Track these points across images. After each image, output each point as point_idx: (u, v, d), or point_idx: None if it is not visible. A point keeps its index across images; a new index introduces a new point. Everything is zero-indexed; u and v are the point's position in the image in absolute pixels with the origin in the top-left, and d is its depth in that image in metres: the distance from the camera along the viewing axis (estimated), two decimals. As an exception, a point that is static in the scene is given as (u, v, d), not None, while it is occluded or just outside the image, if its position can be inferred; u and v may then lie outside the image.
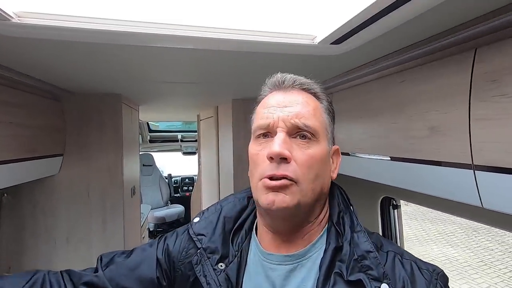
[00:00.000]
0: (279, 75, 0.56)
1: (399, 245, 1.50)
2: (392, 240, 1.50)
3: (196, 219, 0.61)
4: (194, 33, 0.66)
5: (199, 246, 0.56)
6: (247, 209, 0.62)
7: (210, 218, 0.60)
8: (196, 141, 4.49)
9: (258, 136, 0.53)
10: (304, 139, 0.50)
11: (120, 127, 1.59)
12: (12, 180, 1.13)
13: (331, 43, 0.67)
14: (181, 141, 4.44)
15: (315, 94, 0.56)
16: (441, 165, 0.75)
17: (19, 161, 1.13)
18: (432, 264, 0.52)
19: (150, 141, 3.93)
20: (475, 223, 6.90)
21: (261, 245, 0.56)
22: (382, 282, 0.46)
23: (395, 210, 1.49)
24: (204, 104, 2.30)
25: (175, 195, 4.85)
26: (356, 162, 1.17)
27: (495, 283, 4.33)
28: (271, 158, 0.48)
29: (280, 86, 0.55)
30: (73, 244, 1.53)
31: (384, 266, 0.48)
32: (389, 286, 0.45)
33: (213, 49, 0.75)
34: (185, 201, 4.48)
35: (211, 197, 2.50)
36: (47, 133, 1.33)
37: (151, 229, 4.02)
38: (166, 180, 4.77)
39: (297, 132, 0.50)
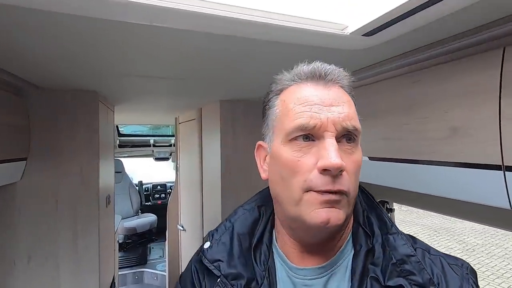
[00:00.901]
0: (318, 64, 0.48)
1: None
2: (385, 244, 1.49)
3: (207, 244, 0.54)
4: (194, 7, 0.52)
5: (218, 274, 0.50)
6: (261, 220, 0.56)
7: (222, 240, 0.54)
8: (170, 146, 4.28)
9: (295, 139, 0.45)
10: (350, 142, 0.47)
11: (96, 128, 1.42)
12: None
13: (362, 35, 0.62)
14: (154, 146, 4.21)
15: (351, 91, 0.52)
16: (464, 167, 0.73)
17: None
18: (458, 258, 0.51)
19: (120, 146, 3.65)
20: (436, 224, 7.41)
21: (288, 259, 0.51)
22: (428, 287, 0.43)
23: (389, 214, 1.48)
24: (185, 106, 2.16)
25: (146, 203, 4.55)
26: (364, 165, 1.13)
27: (458, 280, 4.62)
28: (324, 170, 0.42)
29: (319, 79, 0.47)
30: (36, 263, 1.31)
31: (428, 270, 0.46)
32: None
33: (215, 33, 0.63)
34: (157, 210, 4.21)
35: (192, 205, 2.35)
36: (7, 133, 1.13)
37: (120, 241, 3.68)
38: (137, 188, 4.46)
39: (343, 135, 0.46)
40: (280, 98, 0.50)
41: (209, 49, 0.77)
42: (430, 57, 0.80)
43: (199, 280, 0.53)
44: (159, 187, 4.72)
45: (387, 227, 0.51)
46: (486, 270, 4.93)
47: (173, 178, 5.02)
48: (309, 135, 0.45)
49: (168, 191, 4.58)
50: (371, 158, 1.04)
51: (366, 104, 1.05)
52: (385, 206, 1.47)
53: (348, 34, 0.63)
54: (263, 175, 0.53)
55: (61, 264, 1.33)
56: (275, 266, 0.51)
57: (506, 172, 0.64)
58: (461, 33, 0.69)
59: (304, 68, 0.49)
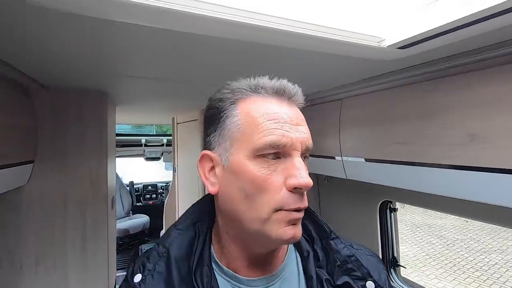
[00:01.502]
0: (286, 82, 0.48)
1: (394, 246, 1.57)
2: (388, 243, 1.56)
3: (138, 277, 0.46)
4: (224, 15, 0.51)
5: None
6: (197, 239, 0.50)
7: (157, 269, 0.47)
8: (161, 145, 4.22)
9: (263, 155, 0.43)
10: (305, 160, 0.48)
11: (104, 129, 1.39)
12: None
13: (398, 48, 0.66)
14: (145, 145, 4.13)
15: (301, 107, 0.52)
16: (480, 171, 0.78)
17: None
18: (369, 248, 0.59)
19: (111, 146, 3.56)
20: (418, 220, 7.70)
21: (238, 274, 0.49)
22: (366, 280, 0.50)
23: (392, 214, 1.55)
24: (186, 107, 2.15)
25: (137, 204, 4.46)
26: (370, 167, 1.19)
27: (440, 274, 4.86)
28: (295, 189, 0.43)
29: (285, 96, 0.47)
30: (44, 268, 1.27)
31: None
32: (373, 282, 0.51)
33: (242, 40, 0.63)
34: (149, 211, 4.14)
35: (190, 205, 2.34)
36: (15, 135, 1.10)
37: (111, 243, 3.58)
38: (128, 188, 4.37)
39: (303, 154, 0.47)
40: (240, 108, 0.46)
41: (222, 53, 0.76)
42: (449, 67, 0.85)
43: None
44: (150, 187, 4.63)
45: (326, 232, 0.55)
46: (466, 264, 5.20)
47: (163, 178, 4.95)
48: (277, 153, 0.44)
49: (159, 191, 4.51)
50: (386, 161, 1.09)
51: (383, 109, 1.10)
52: (388, 205, 1.54)
53: (384, 46, 0.66)
54: (212, 189, 0.48)
55: (69, 268, 1.30)
56: (218, 286, 0.47)
57: (523, 176, 0.70)
58: (478, 48, 0.74)
59: (270, 82, 0.47)
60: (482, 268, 5.05)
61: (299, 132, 0.45)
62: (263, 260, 0.50)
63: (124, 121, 2.96)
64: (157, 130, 5.69)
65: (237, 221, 0.46)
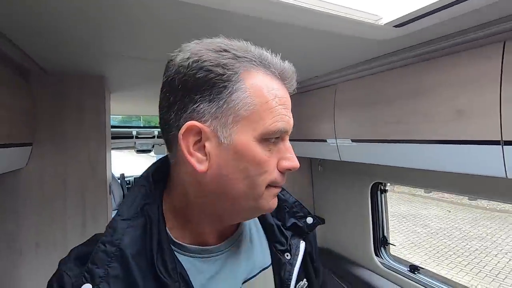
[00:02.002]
0: (287, 65, 0.46)
1: (384, 226, 1.65)
2: (379, 222, 1.64)
3: None
4: None
5: None
6: (149, 225, 0.44)
7: (112, 273, 0.40)
8: (153, 137, 4.19)
9: (269, 139, 0.43)
10: None
11: (102, 114, 1.39)
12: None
13: (394, 26, 0.71)
14: (136, 137, 4.09)
15: None
16: (467, 144, 0.85)
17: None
18: None
19: (102, 137, 3.51)
20: (404, 211, 7.95)
21: (207, 245, 0.49)
22: (307, 217, 0.59)
23: (383, 195, 1.63)
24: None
25: (128, 197, 4.43)
26: (364, 148, 1.25)
27: (424, 260, 5.07)
28: (287, 170, 0.46)
29: (284, 80, 0.46)
30: (44, 251, 1.28)
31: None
32: (312, 218, 0.59)
33: (235, 12, 0.64)
34: (140, 203, 4.08)
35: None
36: (13, 116, 1.09)
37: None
38: (119, 181, 4.32)
39: None
40: (249, 83, 0.42)
41: (222, 28, 0.74)
42: (439, 48, 0.91)
43: None
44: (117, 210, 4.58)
45: None
46: (449, 251, 5.44)
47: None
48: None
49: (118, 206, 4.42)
50: (380, 141, 1.15)
51: (376, 91, 1.16)
52: (379, 187, 1.61)
53: (382, 24, 0.71)
54: (200, 167, 0.42)
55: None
56: (184, 268, 0.44)
57: (504, 146, 0.77)
58: (466, 29, 0.81)
59: (276, 60, 0.45)
60: (463, 254, 5.30)
61: (290, 117, 0.46)
62: (230, 226, 0.52)
63: (118, 110, 2.92)
64: (144, 123, 5.63)
65: (229, 200, 0.44)
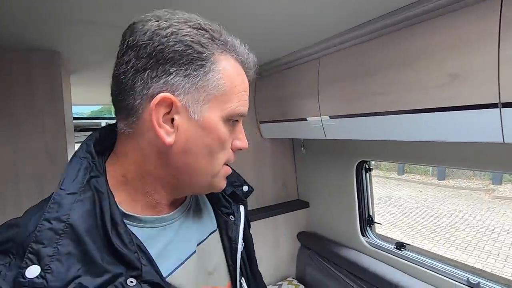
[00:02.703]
0: (251, 55, 0.51)
1: (370, 205, 1.63)
2: (364, 202, 1.61)
3: (34, 271, 0.35)
4: None
5: (94, 286, 0.37)
6: (98, 199, 0.42)
7: (62, 251, 0.37)
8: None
9: (230, 120, 0.48)
10: None
11: (59, 96, 1.22)
12: None
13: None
14: (106, 129, 3.81)
15: None
16: (461, 110, 0.81)
17: None
18: None
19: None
20: (379, 193, 8.23)
21: (159, 214, 0.49)
22: (243, 186, 0.65)
23: (368, 173, 1.60)
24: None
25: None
26: (351, 124, 1.19)
27: (400, 238, 5.28)
28: (239, 150, 0.51)
29: (247, 68, 0.50)
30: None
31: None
32: (247, 186, 0.66)
33: None
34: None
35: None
36: None
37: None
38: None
39: None
40: (221, 66, 0.44)
41: None
42: (429, 10, 0.85)
43: None
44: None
45: None
46: (422, 228, 5.73)
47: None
48: None
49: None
50: (365, 114, 1.09)
51: (361, 62, 1.09)
52: (364, 166, 1.58)
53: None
54: (168, 140, 0.43)
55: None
56: (139, 239, 0.43)
57: (502, 109, 0.73)
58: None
59: (242, 49, 0.49)
60: (435, 230, 5.60)
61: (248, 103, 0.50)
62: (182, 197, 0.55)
63: (82, 100, 2.66)
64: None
65: (188, 173, 0.47)
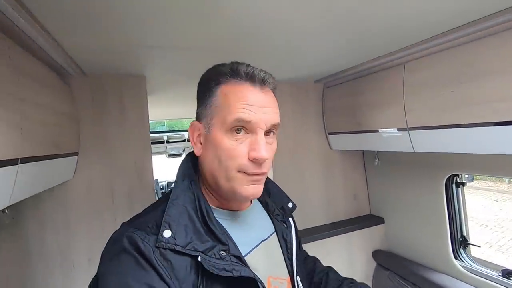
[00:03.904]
0: (258, 70, 0.57)
1: (463, 224, 1.44)
2: (456, 219, 1.43)
3: (167, 233, 0.52)
4: None
5: (196, 254, 0.51)
6: (195, 197, 0.58)
7: (182, 222, 0.54)
8: (183, 141, 4.15)
9: (232, 129, 0.55)
10: (270, 135, 0.59)
11: (146, 116, 1.31)
12: (32, 187, 0.81)
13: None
14: (167, 142, 4.07)
15: (274, 90, 0.62)
16: None
17: (42, 159, 0.82)
18: None
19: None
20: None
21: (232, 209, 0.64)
22: (289, 202, 0.77)
23: (459, 188, 1.41)
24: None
25: (162, 201, 4.44)
26: (449, 135, 1.05)
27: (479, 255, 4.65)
28: (254, 159, 0.55)
29: (257, 83, 0.57)
30: (96, 266, 1.21)
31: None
32: (291, 202, 0.77)
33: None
34: (174, 207, 4.05)
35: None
36: (62, 121, 1.02)
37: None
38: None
39: (269, 130, 0.58)
40: (221, 90, 0.57)
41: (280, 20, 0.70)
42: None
43: (165, 270, 0.49)
44: (173, 184, 4.61)
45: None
46: (504, 244, 4.98)
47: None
48: (244, 129, 0.55)
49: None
50: (464, 125, 0.96)
51: (460, 67, 0.96)
52: (455, 180, 1.40)
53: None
54: (197, 152, 0.60)
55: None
56: (226, 230, 0.58)
57: None
58: None
59: (244, 69, 0.56)
60: (522, 248, 4.82)
61: (264, 112, 0.55)
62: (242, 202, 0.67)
63: (154, 116, 2.89)
64: (168, 128, 5.64)
65: (215, 178, 0.58)
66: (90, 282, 0.56)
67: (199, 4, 0.68)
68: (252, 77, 0.56)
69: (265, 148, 0.55)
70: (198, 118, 0.60)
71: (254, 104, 0.55)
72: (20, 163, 0.68)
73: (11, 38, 0.70)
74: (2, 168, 0.60)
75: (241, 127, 0.55)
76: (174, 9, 0.70)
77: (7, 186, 0.65)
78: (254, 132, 0.55)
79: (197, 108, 0.61)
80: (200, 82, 0.61)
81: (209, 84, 0.58)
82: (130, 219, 0.58)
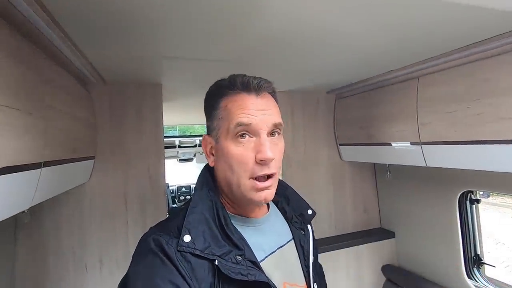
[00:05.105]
0: (252, 78, 0.60)
1: (477, 242, 1.40)
2: (470, 237, 1.39)
3: (187, 238, 0.55)
4: None
5: (213, 258, 0.55)
6: (213, 204, 0.61)
7: (200, 229, 0.57)
8: (194, 146, 4.20)
9: (236, 135, 0.58)
10: (275, 135, 0.61)
11: (161, 122, 1.35)
12: (52, 190, 0.85)
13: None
14: (179, 147, 4.13)
15: (273, 94, 0.65)
16: None
17: (62, 163, 0.86)
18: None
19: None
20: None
21: (250, 216, 0.66)
22: (308, 209, 0.78)
23: (473, 205, 1.38)
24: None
25: (173, 205, 4.47)
26: (461, 151, 1.04)
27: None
28: (262, 161, 0.57)
29: (253, 90, 0.60)
30: (108, 268, 1.24)
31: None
32: (311, 209, 0.78)
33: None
34: (184, 212, 4.09)
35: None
36: (80, 127, 1.06)
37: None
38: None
39: (273, 131, 0.60)
40: (222, 103, 0.61)
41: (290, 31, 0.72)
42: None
43: (186, 270, 0.53)
44: (184, 188, 4.63)
45: (284, 186, 0.78)
46: (522, 264, 4.75)
47: (194, 180, 4.90)
48: (248, 133, 0.58)
49: (193, 192, 4.45)
50: (480, 142, 0.94)
51: (478, 82, 0.95)
52: (469, 196, 1.37)
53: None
54: (211, 163, 0.65)
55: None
56: (242, 235, 0.60)
57: None
58: None
59: (240, 79, 0.60)
60: None
61: (263, 114, 0.58)
62: (263, 207, 0.69)
63: (166, 121, 2.96)
64: (180, 133, 5.72)
65: (229, 185, 0.61)
66: (121, 280, 0.59)
67: (220, 19, 0.72)
68: (247, 86, 0.60)
69: (270, 148, 0.57)
70: (208, 131, 0.65)
71: (252, 108, 0.58)
72: (43, 166, 0.71)
73: (43, 51, 0.75)
74: (27, 171, 0.63)
75: (244, 131, 0.57)
76: (195, 23, 0.73)
77: (30, 188, 0.68)
78: (257, 135, 0.58)
79: (206, 122, 0.66)
80: (205, 99, 0.66)
81: (212, 99, 0.63)
82: (157, 223, 0.62)
